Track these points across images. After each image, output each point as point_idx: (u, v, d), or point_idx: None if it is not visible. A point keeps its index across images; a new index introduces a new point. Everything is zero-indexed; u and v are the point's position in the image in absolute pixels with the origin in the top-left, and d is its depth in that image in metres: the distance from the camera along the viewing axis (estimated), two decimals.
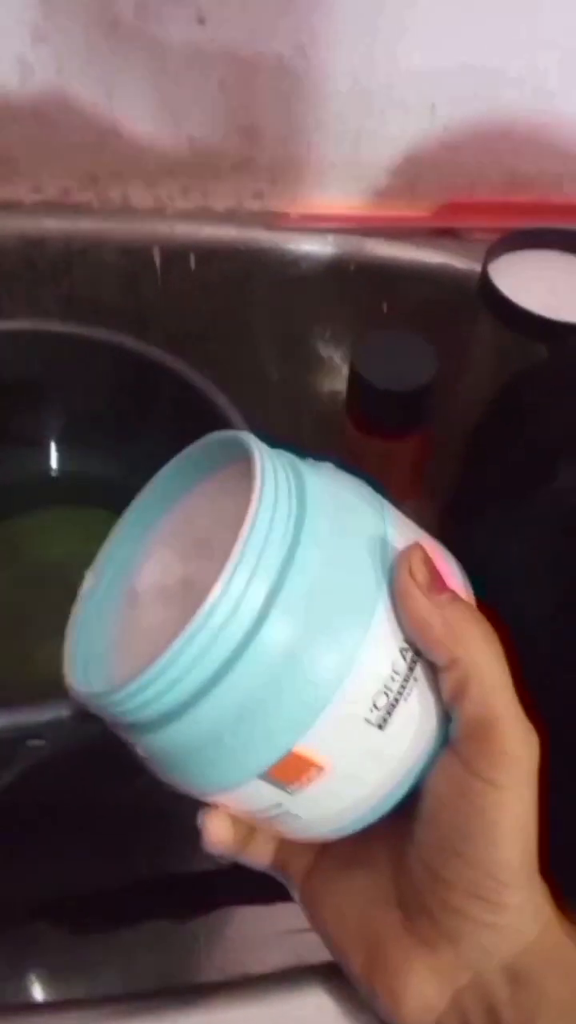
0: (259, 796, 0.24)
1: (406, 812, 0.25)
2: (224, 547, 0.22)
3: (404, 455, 0.49)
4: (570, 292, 0.50)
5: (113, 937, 0.42)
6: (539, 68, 0.55)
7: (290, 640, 0.22)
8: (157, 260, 0.58)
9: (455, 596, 0.24)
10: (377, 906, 0.26)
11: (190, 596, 0.22)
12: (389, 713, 0.23)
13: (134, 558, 0.28)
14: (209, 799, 0.25)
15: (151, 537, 0.28)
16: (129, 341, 0.47)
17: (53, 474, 0.52)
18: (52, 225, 0.57)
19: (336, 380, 0.62)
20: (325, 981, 0.29)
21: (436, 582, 0.24)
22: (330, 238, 0.58)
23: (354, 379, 0.47)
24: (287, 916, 0.38)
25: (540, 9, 0.53)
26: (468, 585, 0.27)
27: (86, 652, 0.26)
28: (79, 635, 0.27)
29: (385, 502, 0.26)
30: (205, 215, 0.59)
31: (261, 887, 0.29)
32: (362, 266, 0.58)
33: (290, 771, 0.23)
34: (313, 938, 0.28)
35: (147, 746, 0.24)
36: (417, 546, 0.24)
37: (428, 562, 0.24)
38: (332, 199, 0.59)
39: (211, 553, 0.23)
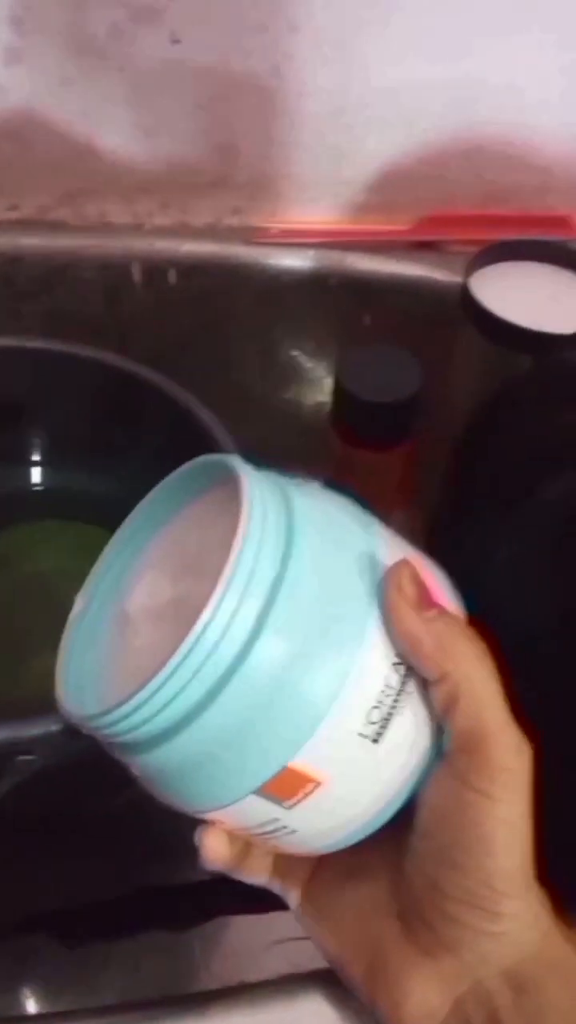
0: (255, 812, 0.24)
1: (402, 823, 0.26)
2: (214, 568, 0.22)
3: (391, 467, 0.50)
4: (551, 303, 0.50)
5: (109, 949, 0.42)
6: (515, 83, 0.56)
7: (283, 657, 0.22)
8: (137, 276, 0.58)
9: (444, 611, 0.25)
10: (376, 916, 0.27)
11: (181, 616, 0.22)
12: (383, 727, 0.24)
13: (124, 581, 0.28)
14: (206, 816, 0.25)
15: (141, 560, 0.28)
16: (111, 357, 0.47)
17: (38, 489, 0.52)
18: (30, 243, 0.57)
19: (320, 392, 0.62)
20: (322, 988, 0.29)
21: (425, 598, 0.24)
22: (310, 252, 0.58)
23: (339, 392, 0.48)
24: (282, 924, 0.38)
25: (514, 25, 0.54)
26: (458, 599, 0.27)
27: (78, 674, 0.26)
28: (70, 657, 0.27)
29: (374, 519, 0.27)
30: (184, 231, 0.59)
31: (256, 896, 0.30)
32: (343, 280, 0.59)
33: (286, 786, 0.23)
34: (309, 946, 0.28)
35: (142, 766, 0.24)
36: (405, 562, 0.25)
37: (416, 578, 0.24)
38: (311, 214, 0.60)
39: (201, 574, 0.23)
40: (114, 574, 0.28)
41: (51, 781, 0.35)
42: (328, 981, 0.29)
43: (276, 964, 0.40)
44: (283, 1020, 0.29)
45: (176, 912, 0.43)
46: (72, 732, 0.32)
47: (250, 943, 0.42)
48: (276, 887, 0.29)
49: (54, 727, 0.32)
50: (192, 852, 0.27)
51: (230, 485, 0.24)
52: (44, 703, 0.32)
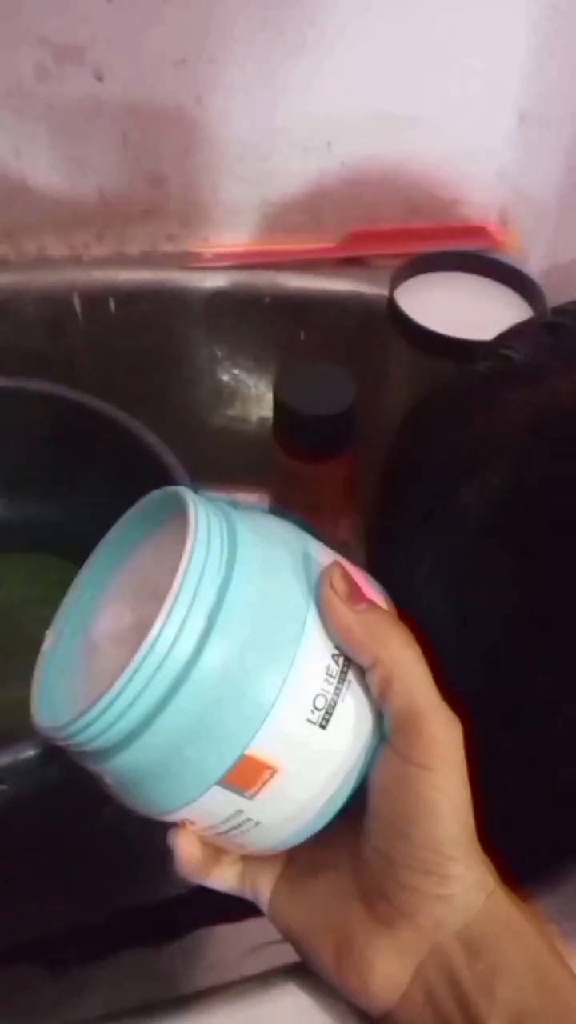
0: (221, 806, 0.26)
1: (358, 816, 0.28)
2: (168, 589, 0.25)
3: (334, 476, 0.51)
4: (472, 310, 0.52)
5: (93, 971, 0.42)
6: (425, 105, 0.58)
7: (232, 655, 0.25)
8: (78, 307, 0.59)
9: (373, 604, 0.27)
10: (340, 901, 0.28)
11: (141, 638, 0.25)
12: (329, 713, 0.26)
13: (90, 614, 0.30)
14: (176, 817, 0.27)
15: (105, 594, 0.30)
16: (58, 388, 0.48)
17: None
18: None
19: (263, 408, 0.64)
20: (296, 978, 0.30)
21: (355, 593, 0.27)
22: (243, 274, 0.60)
23: (279, 407, 0.49)
24: (258, 930, 0.39)
25: (422, 52, 0.56)
26: (388, 598, 0.30)
27: (50, 700, 0.28)
28: (43, 687, 0.29)
29: (309, 535, 0.29)
30: (121, 260, 0.61)
31: (230, 905, 0.31)
32: (276, 298, 0.60)
33: (246, 775, 0.25)
34: (286, 948, 0.30)
35: (113, 770, 0.26)
36: (337, 563, 0.27)
37: (347, 577, 0.27)
38: (242, 237, 0.62)
39: (159, 598, 0.25)
40: (80, 608, 0.30)
41: (23, 810, 0.36)
42: (303, 972, 0.30)
43: (256, 968, 0.41)
44: (260, 1013, 0.30)
45: (154, 929, 0.44)
46: (41, 759, 0.33)
47: (229, 951, 0.43)
48: (247, 892, 0.30)
49: (23, 755, 0.33)
50: (166, 870, 0.28)
51: (181, 514, 0.26)
52: (10, 733, 0.33)
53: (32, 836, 0.39)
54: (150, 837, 0.28)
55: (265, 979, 0.30)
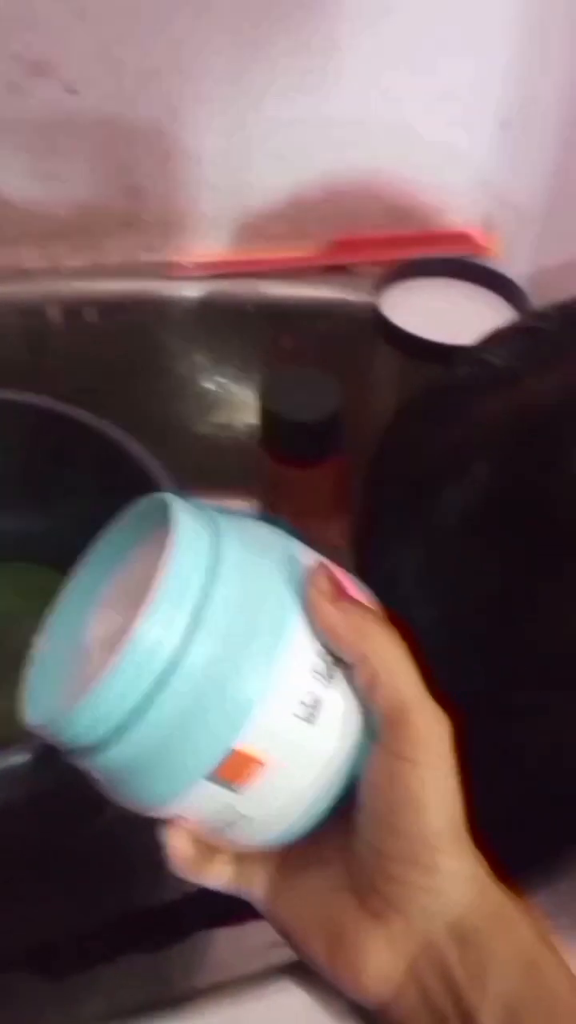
0: (210, 800, 0.26)
1: (349, 813, 0.28)
2: None
3: (321, 481, 0.52)
4: (456, 315, 0.53)
5: (92, 977, 0.42)
6: (406, 112, 0.59)
7: (218, 651, 0.25)
8: (57, 318, 0.59)
9: (357, 602, 0.28)
10: (333, 895, 0.29)
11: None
12: (315, 709, 0.26)
13: (79, 620, 0.30)
14: (168, 812, 0.27)
15: (93, 601, 0.31)
16: (39, 399, 0.48)
17: None
18: None
19: (249, 415, 0.64)
20: (295, 977, 0.30)
21: (340, 593, 0.27)
22: (226, 283, 0.60)
23: (265, 414, 0.50)
24: (258, 933, 0.39)
25: (402, 59, 0.57)
26: (372, 597, 0.30)
27: (41, 703, 0.28)
28: (33, 689, 0.29)
29: (294, 539, 0.30)
30: (99, 271, 0.61)
31: (229, 908, 0.31)
32: (260, 306, 0.61)
33: (234, 768, 0.26)
34: (287, 950, 0.30)
35: (104, 765, 0.26)
36: (322, 564, 0.28)
37: (332, 576, 0.28)
38: (222, 247, 0.62)
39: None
40: (69, 614, 0.31)
41: (17, 816, 0.36)
42: (299, 971, 0.30)
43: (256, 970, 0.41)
44: (259, 1012, 0.30)
45: (154, 934, 0.43)
46: (33, 765, 0.33)
47: (228, 954, 0.43)
48: (242, 890, 0.30)
49: (14, 761, 0.33)
50: (164, 873, 0.28)
51: (167, 520, 0.27)
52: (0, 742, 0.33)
53: (28, 842, 0.39)
54: (147, 841, 0.29)
55: (263, 978, 0.30)
